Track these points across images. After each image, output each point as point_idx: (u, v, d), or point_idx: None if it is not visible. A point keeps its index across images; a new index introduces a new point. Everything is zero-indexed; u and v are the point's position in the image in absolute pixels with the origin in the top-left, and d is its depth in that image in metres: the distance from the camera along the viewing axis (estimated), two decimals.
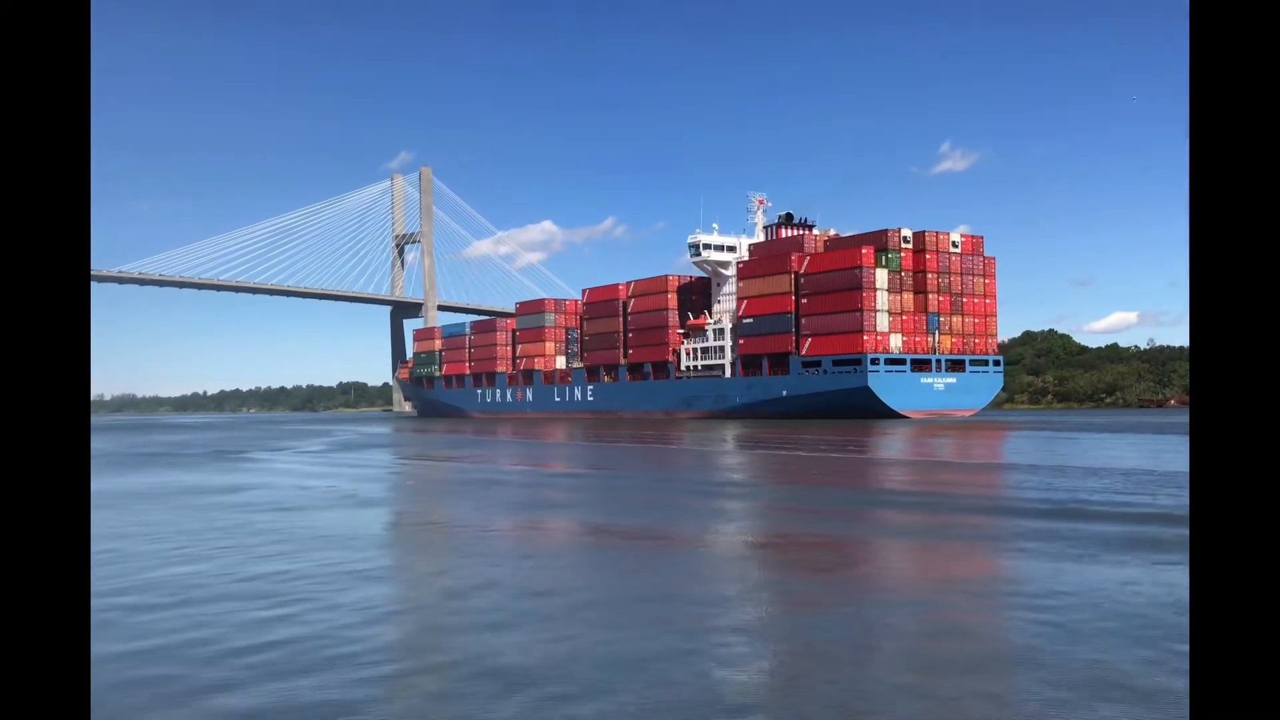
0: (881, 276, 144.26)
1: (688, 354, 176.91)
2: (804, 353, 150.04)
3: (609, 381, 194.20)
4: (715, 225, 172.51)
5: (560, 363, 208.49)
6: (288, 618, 16.20)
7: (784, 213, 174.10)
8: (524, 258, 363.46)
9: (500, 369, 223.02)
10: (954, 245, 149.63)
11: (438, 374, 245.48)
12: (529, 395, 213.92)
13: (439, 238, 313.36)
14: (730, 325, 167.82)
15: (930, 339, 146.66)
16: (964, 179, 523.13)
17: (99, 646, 13.47)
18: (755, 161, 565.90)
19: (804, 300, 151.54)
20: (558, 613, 16.21)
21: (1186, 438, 65.18)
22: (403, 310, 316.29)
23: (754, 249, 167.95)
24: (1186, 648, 12.94)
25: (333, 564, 21.46)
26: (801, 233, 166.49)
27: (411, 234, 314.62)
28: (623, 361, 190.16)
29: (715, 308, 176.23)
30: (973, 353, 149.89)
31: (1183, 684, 11.50)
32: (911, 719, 10.75)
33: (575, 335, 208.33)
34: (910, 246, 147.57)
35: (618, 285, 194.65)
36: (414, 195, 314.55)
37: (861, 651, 13.51)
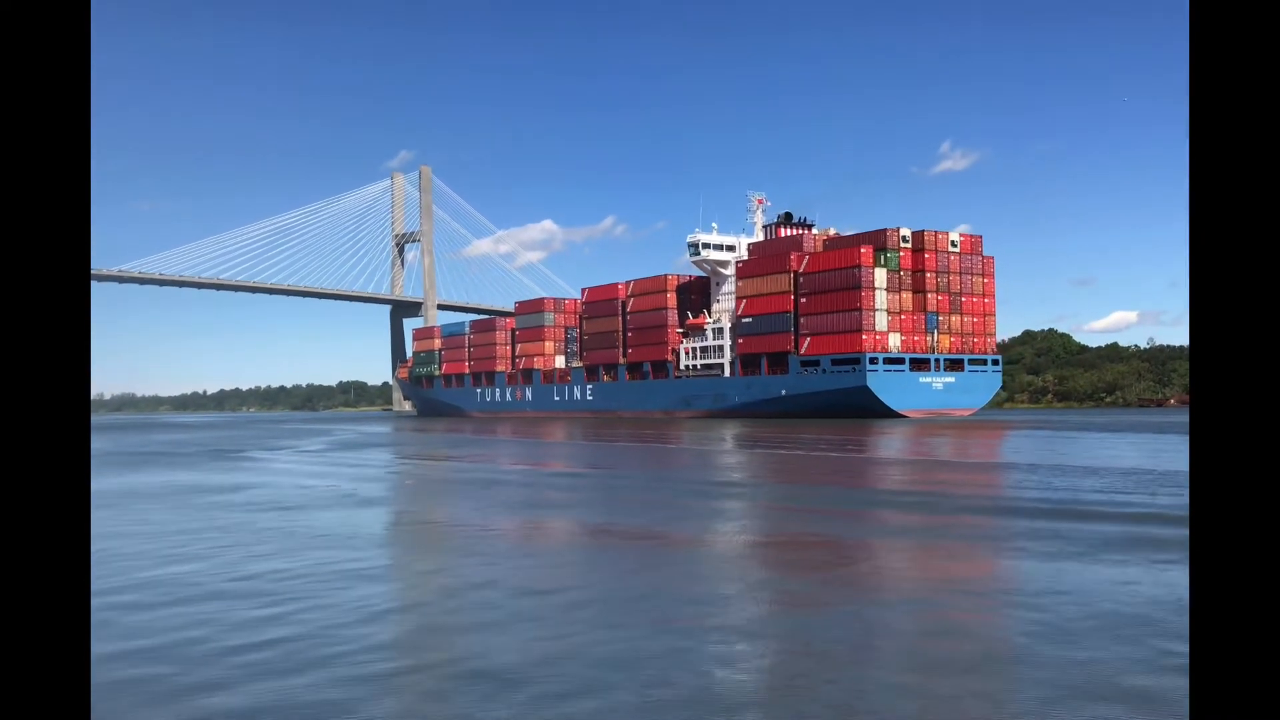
0: (880, 276, 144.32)
1: (687, 353, 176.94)
2: (803, 352, 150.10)
3: (608, 381, 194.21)
4: (714, 225, 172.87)
5: (560, 362, 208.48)
6: (284, 616, 16.19)
7: (783, 212, 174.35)
8: (524, 257, 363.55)
9: (500, 368, 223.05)
10: (953, 245, 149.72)
11: (437, 373, 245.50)
12: (528, 394, 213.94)
13: (439, 237, 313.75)
14: (729, 324, 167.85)
15: (929, 338, 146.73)
16: (964, 178, 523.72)
17: (94, 646, 13.46)
18: (755, 161, 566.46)
19: (803, 300, 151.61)
20: (556, 612, 16.20)
21: (1186, 437, 65.18)
22: (403, 309, 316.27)
23: (753, 248, 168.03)
24: (1184, 648, 12.94)
25: (331, 563, 21.46)
26: (800, 232, 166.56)
27: (411, 233, 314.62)
28: (622, 361, 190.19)
29: (714, 307, 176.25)
30: (971, 352, 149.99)
31: (1180, 684, 11.50)
32: (911, 719, 10.75)
33: (575, 334, 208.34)
34: (909, 246, 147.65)
35: (617, 285, 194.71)
36: (414, 194, 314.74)
37: (861, 651, 13.50)
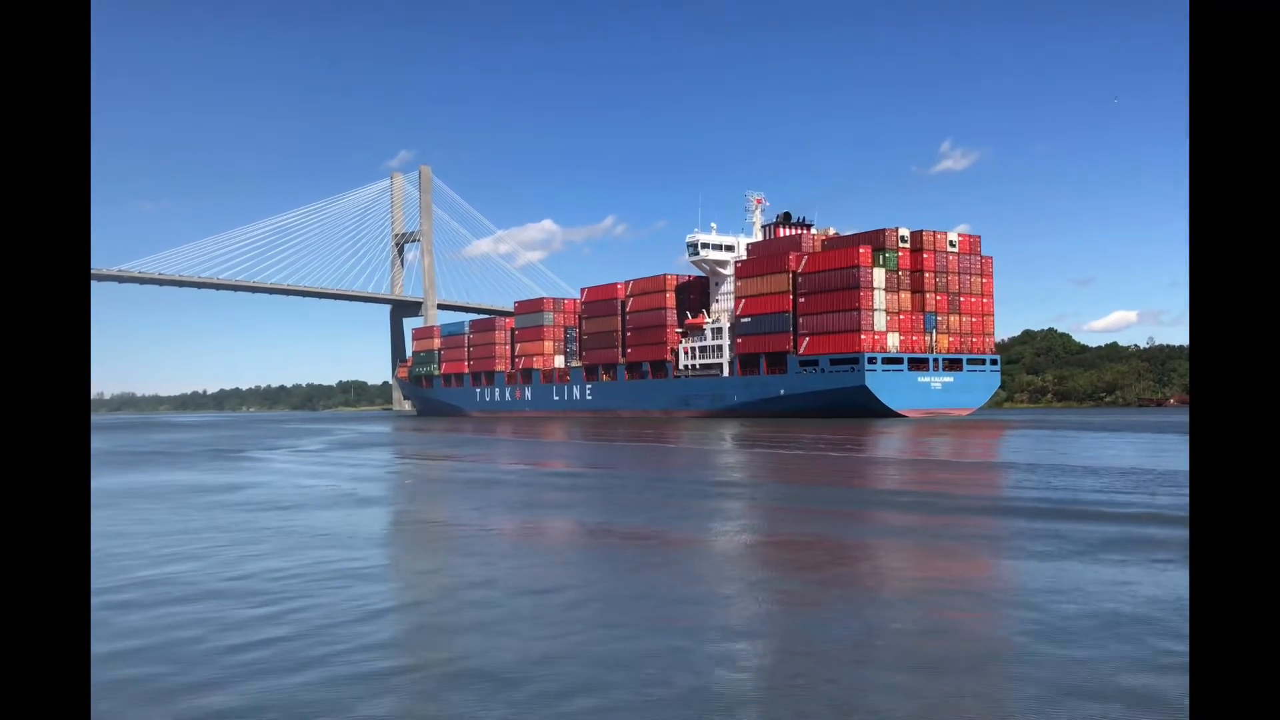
0: (879, 276, 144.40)
1: (686, 353, 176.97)
2: (802, 352, 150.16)
3: (607, 380, 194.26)
4: (713, 225, 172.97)
5: (559, 361, 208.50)
6: (280, 616, 16.19)
7: (782, 212, 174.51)
8: (524, 256, 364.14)
9: (499, 368, 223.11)
10: (951, 245, 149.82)
11: (436, 373, 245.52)
12: (528, 394, 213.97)
13: (439, 236, 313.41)
14: (728, 324, 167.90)
15: (927, 338, 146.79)
16: (964, 178, 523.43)
17: (92, 646, 13.46)
18: (755, 161, 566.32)
19: (802, 299, 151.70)
20: (554, 611, 16.20)
21: (1186, 437, 65.22)
22: (402, 309, 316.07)
23: (752, 248, 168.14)
24: (1184, 648, 12.95)
25: (329, 562, 21.46)
26: (799, 232, 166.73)
27: (411, 233, 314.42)
28: (621, 360, 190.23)
29: (713, 307, 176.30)
30: (970, 352, 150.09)
31: (1179, 684, 11.50)
32: (912, 718, 10.75)
33: (574, 334, 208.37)
34: (908, 246, 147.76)
35: (616, 284, 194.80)
36: (414, 194, 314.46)
37: (861, 650, 13.49)
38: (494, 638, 14.49)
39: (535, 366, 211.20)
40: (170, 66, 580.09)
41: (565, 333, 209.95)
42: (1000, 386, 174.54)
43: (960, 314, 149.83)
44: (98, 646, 13.96)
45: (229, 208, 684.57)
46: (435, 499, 38.02)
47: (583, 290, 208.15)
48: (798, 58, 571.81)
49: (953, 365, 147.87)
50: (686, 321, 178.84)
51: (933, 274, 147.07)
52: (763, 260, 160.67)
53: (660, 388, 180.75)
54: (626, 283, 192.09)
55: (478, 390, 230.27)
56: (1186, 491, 30.92)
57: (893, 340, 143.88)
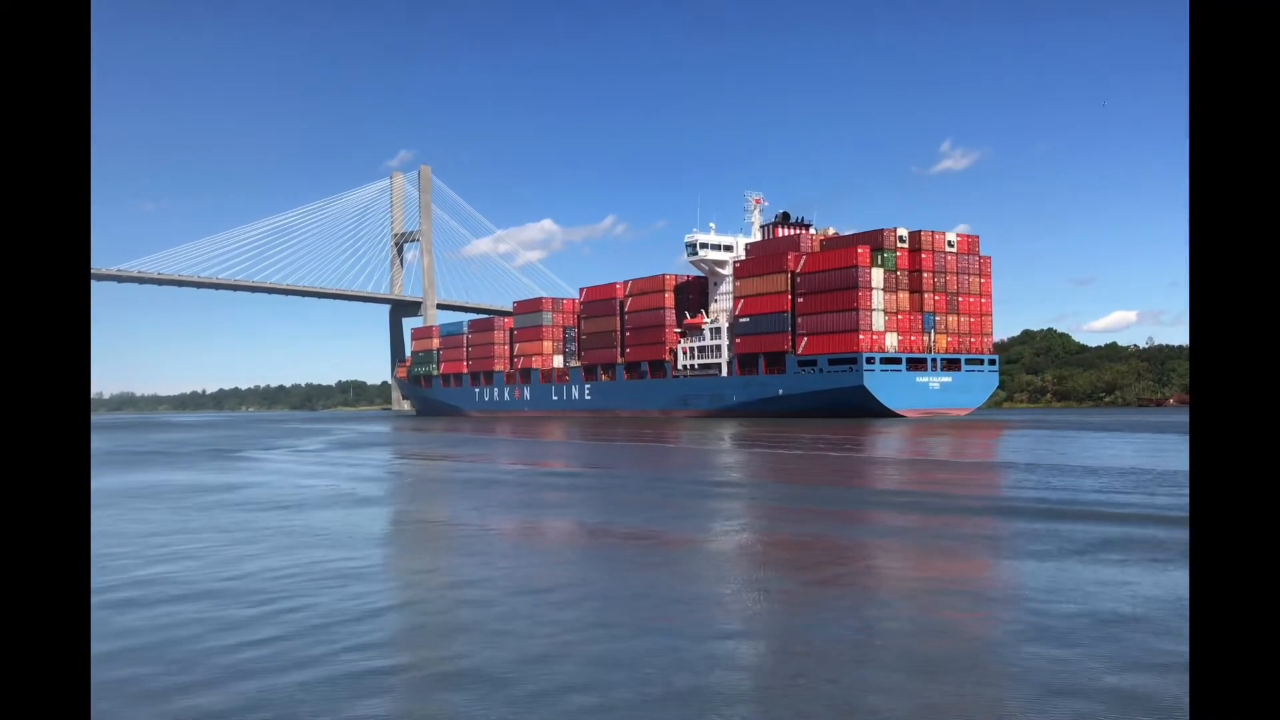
0: (877, 276, 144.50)
1: (684, 353, 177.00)
2: (800, 352, 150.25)
3: (606, 380, 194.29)
4: (712, 225, 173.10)
5: (558, 361, 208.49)
6: (277, 615, 16.17)
7: (780, 212, 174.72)
8: (523, 256, 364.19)
9: (498, 368, 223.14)
10: (949, 245, 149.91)
11: (435, 373, 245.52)
12: (526, 394, 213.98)
13: (438, 236, 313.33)
14: (727, 324, 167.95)
15: (926, 338, 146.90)
16: (964, 178, 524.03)
17: None
18: (755, 161, 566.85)
19: (800, 299, 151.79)
20: (552, 611, 16.18)
21: (1185, 437, 65.24)
22: (402, 309, 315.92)
23: (750, 248, 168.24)
24: (1183, 648, 12.96)
25: (326, 561, 21.45)
26: (798, 232, 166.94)
27: (411, 232, 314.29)
28: (620, 360, 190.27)
29: (712, 307, 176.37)
30: (968, 352, 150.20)
31: (1178, 685, 11.51)
32: (912, 718, 10.75)
33: (573, 334, 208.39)
34: (906, 246, 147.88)
35: (615, 284, 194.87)
36: (413, 194, 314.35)
37: (861, 650, 13.49)
38: (492, 637, 14.48)
39: (534, 366, 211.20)
40: (170, 66, 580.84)
41: (564, 333, 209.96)
42: (999, 386, 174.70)
43: (958, 314, 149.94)
44: (94, 646, 13.95)
45: (228, 207, 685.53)
46: (434, 499, 38.01)
47: (581, 290, 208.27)
48: (798, 58, 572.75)
49: (951, 365, 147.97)
50: (685, 321, 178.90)
51: (931, 274, 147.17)
52: (761, 260, 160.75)
53: (659, 388, 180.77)
54: (625, 283, 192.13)
55: (476, 390, 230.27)
56: (1186, 491, 30.94)
57: (891, 340, 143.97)
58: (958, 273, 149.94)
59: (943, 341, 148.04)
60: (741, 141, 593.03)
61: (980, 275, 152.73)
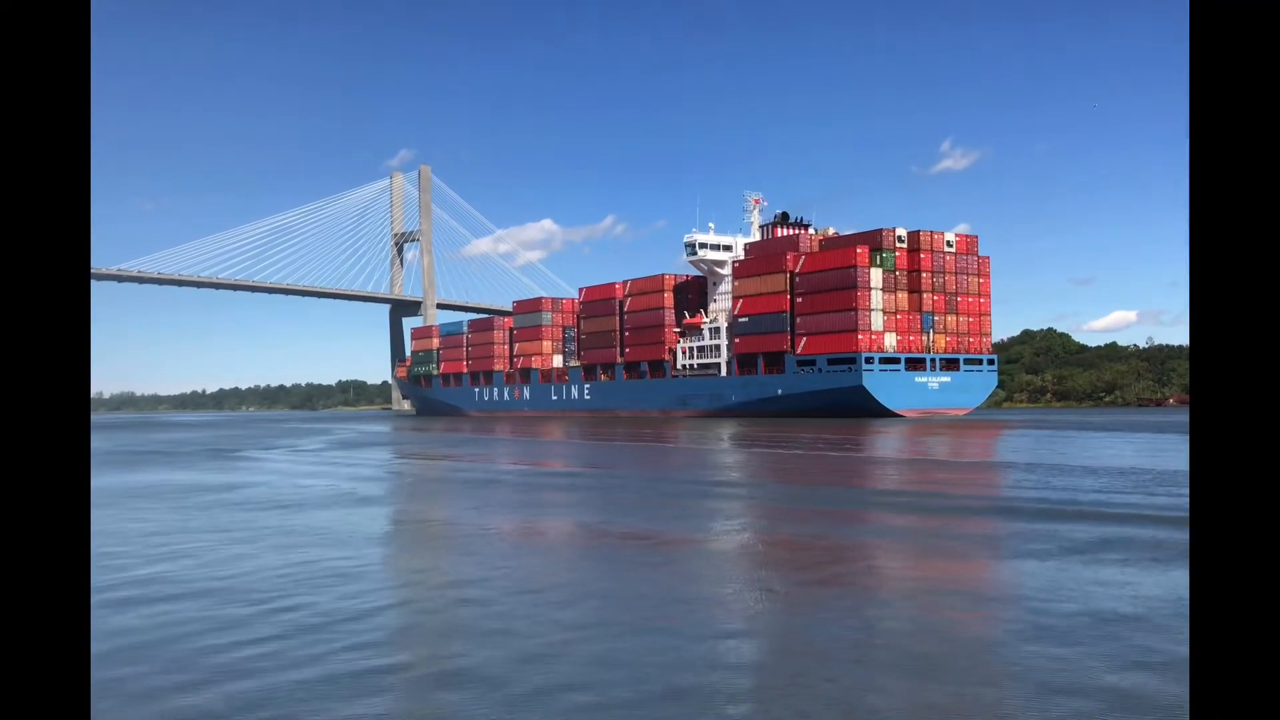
0: (876, 276, 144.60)
1: (684, 353, 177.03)
2: (799, 351, 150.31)
3: (606, 380, 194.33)
4: (711, 225, 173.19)
5: (557, 361, 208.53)
6: (274, 614, 16.16)
7: (779, 212, 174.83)
8: (523, 256, 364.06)
9: (498, 367, 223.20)
10: (948, 245, 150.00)
11: (435, 372, 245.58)
12: (526, 394, 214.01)
13: (438, 236, 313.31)
14: (726, 324, 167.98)
15: (925, 338, 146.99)
16: (964, 177, 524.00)
17: None
18: (755, 161, 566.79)
19: (799, 299, 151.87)
20: (551, 610, 16.17)
21: (1185, 437, 65.22)
22: (402, 308, 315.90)
23: (750, 248, 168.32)
24: (1182, 648, 12.96)
25: (324, 561, 21.44)
26: (797, 232, 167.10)
27: (411, 232, 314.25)
28: (619, 360, 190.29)
29: (711, 307, 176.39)
30: (967, 351, 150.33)
31: (1177, 685, 11.51)
32: (909, 718, 10.75)
33: (572, 334, 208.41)
34: (905, 246, 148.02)
35: (614, 284, 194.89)
36: (413, 193, 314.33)
37: (860, 649, 13.48)
38: (490, 636, 14.47)
39: (534, 366, 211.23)
40: (170, 65, 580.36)
41: (564, 332, 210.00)
42: (999, 386, 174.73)
43: (957, 314, 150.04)
44: (92, 645, 13.94)
45: (228, 207, 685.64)
46: (433, 499, 38.00)
47: (581, 290, 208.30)
48: (798, 58, 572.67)
49: (949, 365, 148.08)
50: (684, 321, 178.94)
51: (930, 274, 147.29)
52: (760, 260, 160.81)
53: (658, 387, 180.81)
54: (625, 282, 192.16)
55: (476, 390, 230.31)
56: (1186, 491, 30.95)
57: (890, 340, 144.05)
58: (956, 273, 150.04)
59: (941, 341, 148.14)
60: (741, 141, 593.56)
61: (979, 275, 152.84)
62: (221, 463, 60.81)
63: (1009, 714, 10.75)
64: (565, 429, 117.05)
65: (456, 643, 14.31)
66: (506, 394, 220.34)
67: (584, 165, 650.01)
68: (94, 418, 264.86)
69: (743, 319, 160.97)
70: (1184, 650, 12.78)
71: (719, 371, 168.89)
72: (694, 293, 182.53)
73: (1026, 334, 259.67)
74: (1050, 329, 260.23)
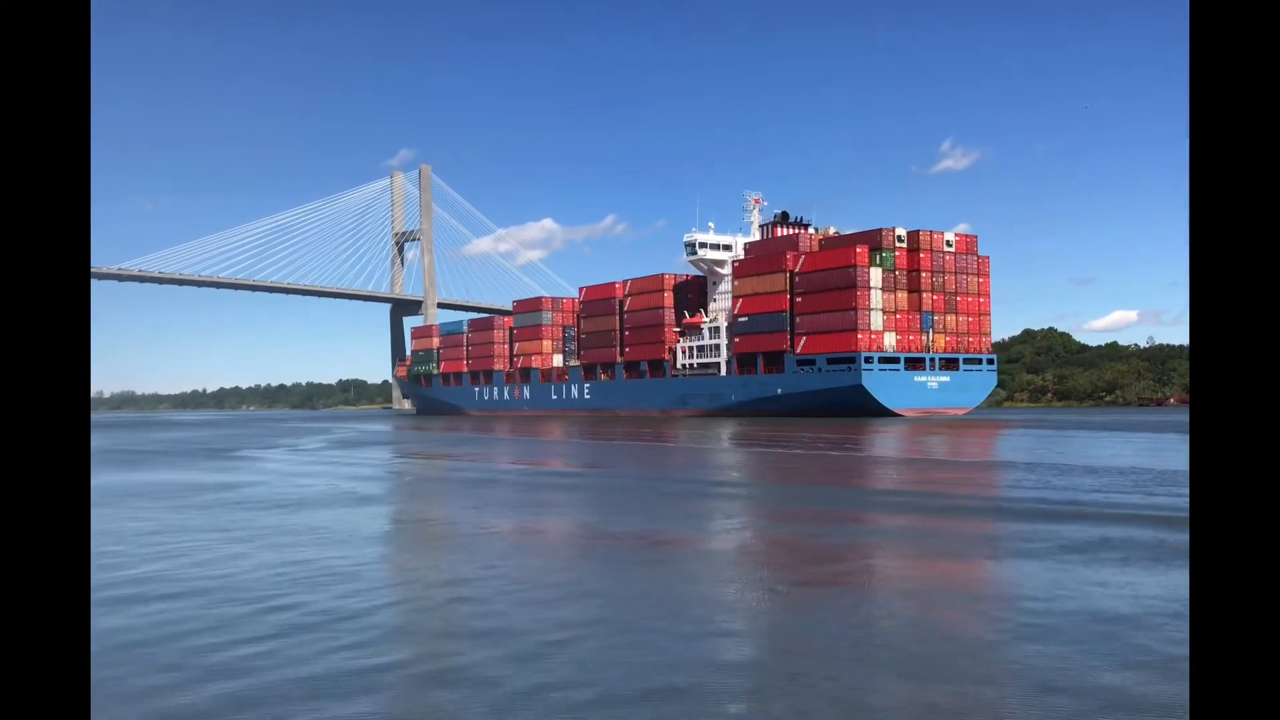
0: (876, 275, 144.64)
1: (684, 352, 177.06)
2: (799, 351, 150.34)
3: (605, 379, 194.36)
4: (711, 224, 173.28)
5: (557, 360, 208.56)
6: (271, 613, 16.15)
7: (779, 212, 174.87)
8: (524, 255, 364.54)
9: (498, 367, 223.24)
10: (948, 244, 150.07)
11: (435, 372, 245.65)
12: (526, 393, 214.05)
13: (439, 235, 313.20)
14: (726, 324, 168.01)
15: (924, 338, 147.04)
16: (964, 177, 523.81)
17: None
18: (755, 161, 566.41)
19: (799, 299, 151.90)
20: (549, 610, 16.15)
21: (1185, 436, 65.22)
22: (402, 308, 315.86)
23: (749, 248, 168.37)
24: (1182, 649, 12.96)
25: (322, 560, 21.44)
26: (797, 232, 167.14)
27: (411, 231, 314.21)
28: (619, 359, 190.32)
29: (711, 306, 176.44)
30: (966, 351, 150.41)
31: (1176, 686, 11.51)
32: (909, 717, 10.75)
33: (572, 333, 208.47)
34: (904, 246, 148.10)
35: (614, 284, 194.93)
36: (414, 193, 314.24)
37: (861, 649, 13.49)
38: (487, 635, 14.47)
39: (534, 365, 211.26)
40: (171, 64, 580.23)
41: (564, 332, 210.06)
42: (999, 386, 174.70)
43: (957, 314, 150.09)
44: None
45: (229, 206, 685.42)
46: (433, 498, 38.01)
47: (581, 290, 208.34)
48: (797, 58, 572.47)
49: (949, 365, 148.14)
50: (684, 321, 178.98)
51: (929, 274, 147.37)
52: (760, 260, 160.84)
53: (658, 387, 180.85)
54: (624, 282, 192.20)
55: (476, 389, 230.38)
56: (1186, 492, 30.95)
57: (889, 340, 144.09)
58: (956, 272, 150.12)
59: (941, 341, 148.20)
60: (741, 141, 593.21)
61: (978, 275, 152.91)
62: (221, 462, 60.81)
63: (1009, 713, 10.75)
64: (565, 428, 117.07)
65: (453, 641, 14.32)
66: (506, 393, 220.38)
67: (584, 164, 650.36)
68: (94, 417, 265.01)
69: (742, 318, 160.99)
70: (1183, 650, 12.79)
71: (719, 371, 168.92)
72: (694, 292, 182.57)
73: (1027, 333, 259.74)
74: (1051, 329, 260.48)
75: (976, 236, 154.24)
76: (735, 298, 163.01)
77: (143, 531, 27.01)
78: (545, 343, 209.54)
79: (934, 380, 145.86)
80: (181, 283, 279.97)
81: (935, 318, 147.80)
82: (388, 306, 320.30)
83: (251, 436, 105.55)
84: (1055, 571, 18.78)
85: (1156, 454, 52.10)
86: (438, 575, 20.12)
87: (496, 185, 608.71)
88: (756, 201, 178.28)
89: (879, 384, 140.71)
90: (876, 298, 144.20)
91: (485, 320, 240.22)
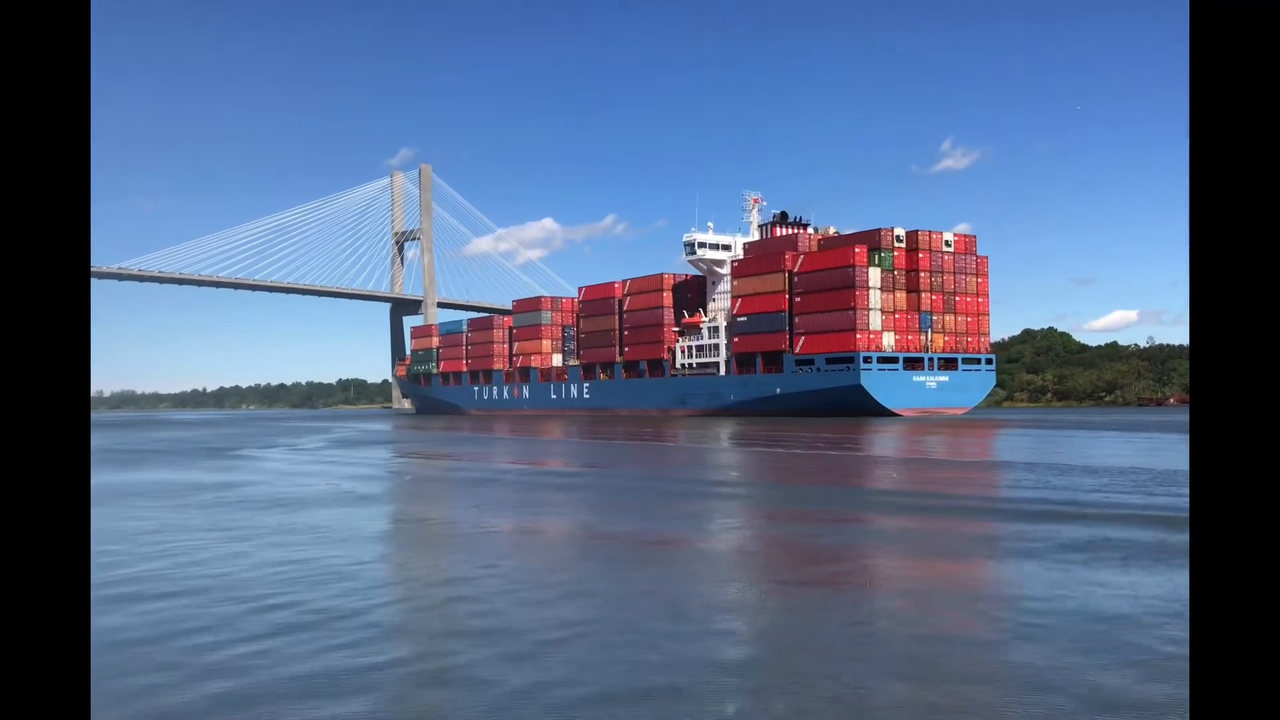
0: (875, 275, 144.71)
1: (683, 352, 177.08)
2: (798, 351, 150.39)
3: (605, 379, 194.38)
4: (710, 224, 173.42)
5: (557, 360, 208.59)
6: (268, 612, 16.14)
7: (778, 211, 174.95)
8: (524, 255, 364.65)
9: (497, 366, 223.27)
10: (947, 244, 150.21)
11: (435, 371, 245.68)
12: (526, 392, 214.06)
13: (439, 235, 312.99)
14: (725, 323, 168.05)
15: (923, 337, 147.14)
16: (965, 177, 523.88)
17: None
18: (755, 160, 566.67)
19: (798, 299, 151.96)
20: (547, 609, 16.14)
21: (1185, 436, 65.24)
22: (402, 307, 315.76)
23: (748, 248, 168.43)
24: (1182, 650, 12.97)
25: (321, 559, 21.42)
26: (796, 231, 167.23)
27: (411, 231, 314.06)
28: (619, 359, 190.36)
29: (710, 306, 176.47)
30: (965, 351, 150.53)
31: (1175, 687, 11.51)
32: (908, 717, 10.74)
33: (572, 333, 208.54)
34: (903, 245, 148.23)
35: (613, 283, 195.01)
36: (414, 192, 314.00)
37: (861, 648, 13.49)
38: (485, 634, 14.45)
39: (533, 365, 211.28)
40: (171, 64, 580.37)
41: (563, 331, 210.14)
42: (998, 386, 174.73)
43: (955, 313, 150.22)
44: None
45: (229, 205, 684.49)
46: (432, 497, 37.99)
47: (580, 289, 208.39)
48: (797, 57, 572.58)
49: (948, 364, 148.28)
50: (683, 321, 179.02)
51: (928, 273, 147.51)
52: (759, 260, 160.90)
53: (657, 386, 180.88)
54: (624, 282, 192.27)
55: (476, 389, 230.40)
56: (1185, 492, 30.95)
57: (888, 339, 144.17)
58: (955, 272, 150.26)
59: (940, 341, 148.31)
60: (740, 141, 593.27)
61: (977, 275, 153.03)
62: (221, 461, 60.78)
63: (1008, 714, 10.75)
64: (564, 428, 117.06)
65: (452, 640, 14.31)
66: (506, 393, 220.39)
67: (584, 164, 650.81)
68: (94, 416, 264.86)
69: (741, 318, 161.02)
70: (1183, 650, 12.79)
71: (718, 371, 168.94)
72: (693, 292, 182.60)
73: (1027, 333, 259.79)
74: (1051, 328, 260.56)
75: (975, 236, 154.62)
76: (734, 297, 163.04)
77: (142, 530, 27.00)
78: (545, 342, 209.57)
79: (933, 380, 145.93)
80: (181, 282, 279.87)
81: (934, 318, 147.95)
82: (387, 306, 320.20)
83: (251, 436, 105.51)
84: (1055, 571, 18.78)
85: (1156, 454, 52.09)
86: (436, 574, 20.10)
87: (496, 185, 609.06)
88: (756, 201, 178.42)
89: (878, 384, 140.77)
90: (875, 298, 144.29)
91: (485, 320, 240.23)
